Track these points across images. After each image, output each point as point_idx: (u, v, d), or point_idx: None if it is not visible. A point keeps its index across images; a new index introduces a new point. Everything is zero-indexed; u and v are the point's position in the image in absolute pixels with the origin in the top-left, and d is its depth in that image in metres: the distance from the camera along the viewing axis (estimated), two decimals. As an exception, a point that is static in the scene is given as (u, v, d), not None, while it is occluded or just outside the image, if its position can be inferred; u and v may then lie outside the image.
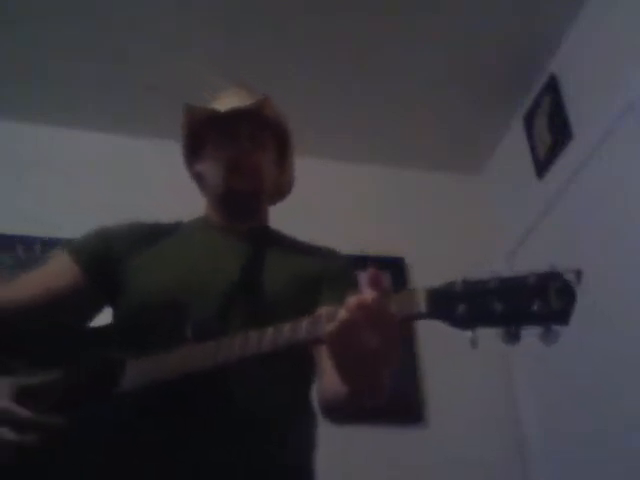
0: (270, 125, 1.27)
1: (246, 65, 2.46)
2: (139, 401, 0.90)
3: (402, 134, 2.81)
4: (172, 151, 2.70)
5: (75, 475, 0.89)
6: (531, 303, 0.65)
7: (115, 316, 1.15)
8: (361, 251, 2.65)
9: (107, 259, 1.16)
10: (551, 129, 2.43)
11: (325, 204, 2.78)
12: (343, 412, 1.00)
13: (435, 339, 2.46)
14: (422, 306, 0.73)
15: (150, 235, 1.21)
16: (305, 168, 3.09)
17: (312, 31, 2.35)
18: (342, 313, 0.75)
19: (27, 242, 2.36)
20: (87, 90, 2.54)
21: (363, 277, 0.79)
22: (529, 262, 2.53)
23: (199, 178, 1.31)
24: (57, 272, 1.15)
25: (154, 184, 2.62)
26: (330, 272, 1.19)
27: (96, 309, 1.19)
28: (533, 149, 2.56)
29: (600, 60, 2.19)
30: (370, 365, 0.78)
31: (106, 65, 2.44)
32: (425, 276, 2.64)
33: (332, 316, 0.77)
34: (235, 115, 1.22)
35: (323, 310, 0.84)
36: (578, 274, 2.23)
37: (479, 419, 2.38)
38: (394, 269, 2.66)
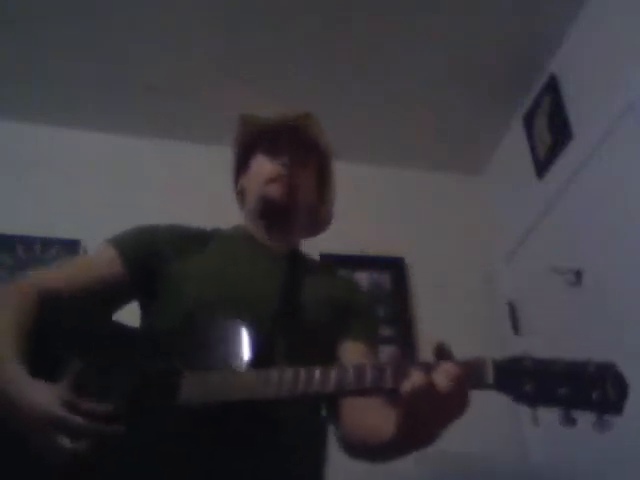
0: (314, 148, 1.33)
1: (246, 65, 2.46)
2: (190, 417, 0.90)
3: (402, 134, 2.81)
4: (172, 151, 2.73)
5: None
6: (592, 391, 0.69)
7: (154, 317, 1.17)
8: (361, 251, 2.66)
9: (151, 258, 1.19)
10: (551, 129, 2.43)
11: (325, 204, 2.78)
12: (377, 453, 1.06)
13: (435, 340, 2.46)
14: (490, 378, 0.75)
15: (195, 241, 1.24)
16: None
17: (312, 31, 2.35)
18: (419, 376, 0.76)
19: (27, 242, 2.36)
20: (87, 90, 2.54)
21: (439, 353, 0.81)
22: (529, 262, 2.53)
23: (242, 193, 1.37)
24: (101, 264, 1.17)
25: (154, 184, 2.62)
26: (357, 305, 1.26)
27: (123, 304, 1.21)
28: (533, 149, 2.56)
29: (600, 60, 2.19)
30: (433, 424, 0.82)
31: (106, 65, 2.44)
32: (425, 276, 2.66)
33: (401, 371, 0.80)
34: (281, 132, 1.28)
35: (387, 361, 0.86)
36: (578, 274, 2.26)
37: (479, 419, 2.38)
38: (394, 269, 2.66)
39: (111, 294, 1.17)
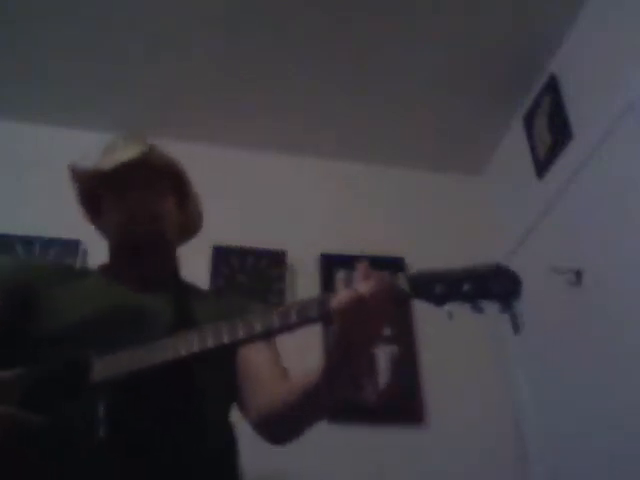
0: (161, 171, 1.26)
1: (246, 65, 2.46)
2: (106, 394, 0.91)
3: (402, 134, 2.81)
4: (172, 151, 2.72)
5: (38, 468, 0.88)
6: (490, 285, 0.87)
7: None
8: (361, 251, 2.66)
9: (21, 290, 1.12)
10: (551, 129, 2.43)
11: (325, 204, 2.78)
12: (292, 420, 1.05)
13: (435, 340, 2.47)
14: (407, 287, 0.89)
15: (65, 275, 1.18)
16: (305, 168, 3.11)
17: (312, 31, 2.35)
18: (345, 290, 0.87)
19: (27, 242, 2.37)
20: (87, 90, 2.54)
21: (356, 272, 0.91)
22: (529, 262, 2.53)
23: (103, 232, 1.31)
24: None
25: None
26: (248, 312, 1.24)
27: None
28: (533, 149, 2.56)
29: (600, 60, 2.19)
30: (365, 337, 0.90)
31: (106, 65, 2.44)
32: (425, 276, 2.66)
33: (325, 299, 0.88)
34: (124, 168, 1.20)
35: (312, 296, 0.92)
36: (578, 274, 2.29)
37: (479, 419, 2.38)
38: (394, 269, 2.66)
39: None
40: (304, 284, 2.54)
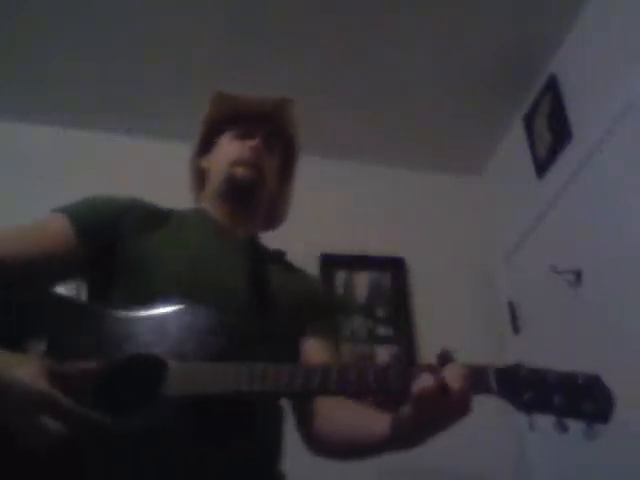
0: (282, 136, 1.35)
1: (246, 65, 2.46)
2: (175, 411, 0.87)
3: (402, 134, 2.81)
4: (172, 151, 2.72)
5: (98, 474, 0.85)
6: (583, 401, 0.77)
7: (122, 295, 1.08)
8: (361, 251, 2.66)
9: (107, 231, 1.12)
10: (551, 129, 2.43)
11: (325, 204, 2.78)
12: (359, 452, 1.09)
13: (436, 341, 2.46)
14: (494, 385, 0.80)
15: (155, 218, 1.20)
16: (305, 167, 3.08)
17: (312, 31, 2.35)
18: (429, 377, 0.79)
19: (27, 242, 2.36)
20: (87, 90, 2.54)
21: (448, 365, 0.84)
22: (529, 262, 2.53)
23: (202, 174, 1.35)
24: (53, 235, 1.11)
25: (154, 184, 2.61)
26: (317, 301, 1.25)
27: (68, 279, 1.16)
28: (533, 149, 2.56)
29: (600, 60, 2.19)
30: (436, 427, 0.84)
31: (106, 65, 2.44)
32: (425, 276, 2.66)
33: (405, 372, 0.82)
34: (255, 115, 1.31)
35: (393, 363, 0.87)
36: (578, 274, 2.28)
37: (479, 419, 2.38)
38: (394, 269, 2.66)
39: (59, 268, 1.09)
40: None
